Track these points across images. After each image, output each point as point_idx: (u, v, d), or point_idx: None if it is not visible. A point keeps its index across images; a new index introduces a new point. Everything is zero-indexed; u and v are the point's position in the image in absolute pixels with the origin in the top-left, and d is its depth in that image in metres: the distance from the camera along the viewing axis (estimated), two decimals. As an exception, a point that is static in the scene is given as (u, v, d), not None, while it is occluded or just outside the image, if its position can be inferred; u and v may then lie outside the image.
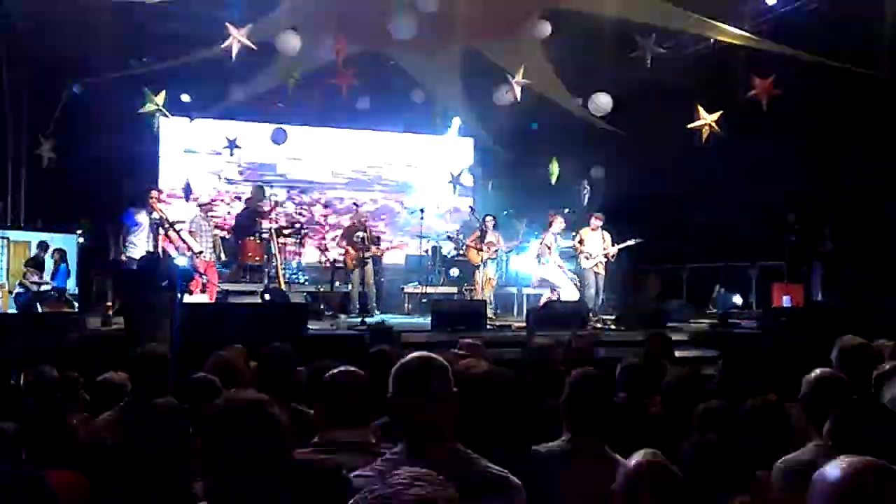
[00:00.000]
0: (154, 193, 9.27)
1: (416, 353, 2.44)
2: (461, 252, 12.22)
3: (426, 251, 13.41)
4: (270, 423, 2.19)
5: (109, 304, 8.58)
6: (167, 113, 10.43)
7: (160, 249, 9.05)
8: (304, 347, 4.49)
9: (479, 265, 11.50)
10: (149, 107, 10.20)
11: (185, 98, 12.44)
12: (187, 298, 8.85)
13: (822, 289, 10.77)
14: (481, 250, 11.46)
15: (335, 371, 2.95)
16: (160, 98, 10.26)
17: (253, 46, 9.39)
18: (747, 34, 10.64)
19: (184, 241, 9.32)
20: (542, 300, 11.10)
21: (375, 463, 2.35)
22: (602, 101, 11.42)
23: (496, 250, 11.46)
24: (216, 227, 11.40)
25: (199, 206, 11.20)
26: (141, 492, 2.45)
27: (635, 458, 2.38)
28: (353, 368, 2.97)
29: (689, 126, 10.54)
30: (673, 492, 2.35)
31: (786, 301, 10.68)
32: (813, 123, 11.05)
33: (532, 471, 2.74)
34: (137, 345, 4.65)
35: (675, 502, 2.34)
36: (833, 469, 1.68)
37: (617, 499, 2.39)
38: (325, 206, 13.82)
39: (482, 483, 2.22)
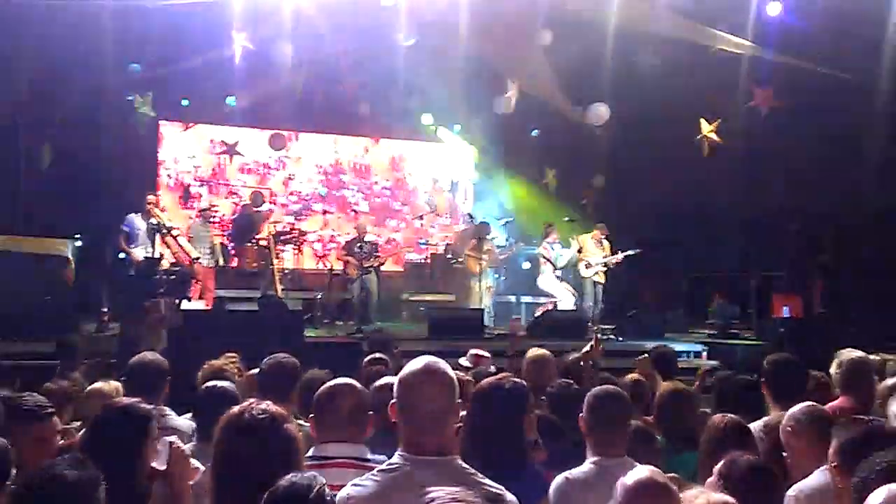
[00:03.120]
0: (152, 199, 9.23)
1: (422, 359, 2.40)
2: (458, 260, 12.18)
3: (425, 258, 13.37)
4: (285, 438, 2.19)
5: (105, 309, 8.53)
6: (151, 114, 10.38)
7: (158, 255, 8.99)
8: (300, 355, 4.44)
9: (477, 274, 11.47)
10: (142, 110, 10.18)
11: (185, 102, 12.42)
12: (184, 305, 8.82)
13: (822, 300, 10.73)
14: (480, 259, 11.43)
15: (330, 384, 2.90)
16: (147, 102, 10.24)
17: (254, 48, 9.38)
18: (748, 43, 10.64)
19: (181, 247, 9.27)
20: (540, 309, 11.07)
21: (371, 473, 2.30)
22: (599, 111, 11.41)
23: (493, 259, 11.42)
24: (220, 231, 11.34)
25: (199, 211, 11.16)
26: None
27: (635, 475, 2.33)
28: (348, 381, 2.92)
29: (694, 139, 10.52)
30: None
31: (785, 312, 10.64)
32: (814, 134, 11.05)
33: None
34: (132, 352, 4.62)
35: None
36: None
37: None
38: (324, 213, 13.75)
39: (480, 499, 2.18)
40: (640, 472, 2.30)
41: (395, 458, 2.29)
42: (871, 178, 10.62)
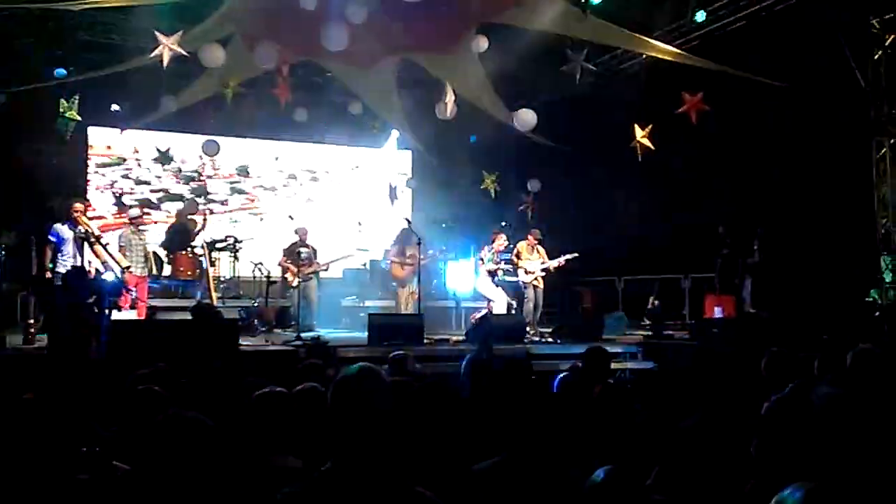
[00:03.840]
0: (78, 206, 8.92)
1: (357, 365, 2.37)
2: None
3: (364, 264, 13.30)
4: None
5: (32, 321, 8.24)
6: (77, 119, 10.08)
7: (86, 264, 8.72)
8: (236, 364, 4.37)
9: (403, 279, 11.46)
10: (68, 114, 9.89)
11: (115, 108, 12.12)
12: (116, 315, 8.57)
13: (752, 300, 11.01)
14: (403, 265, 11.42)
15: (259, 392, 2.85)
16: (74, 107, 9.95)
17: (184, 53, 9.19)
18: (676, 50, 10.87)
19: (111, 256, 9.01)
20: (478, 314, 11.11)
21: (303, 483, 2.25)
22: (526, 118, 11.50)
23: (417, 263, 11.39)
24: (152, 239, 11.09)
25: (130, 219, 10.89)
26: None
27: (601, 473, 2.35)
28: (279, 389, 2.87)
29: (630, 145, 10.67)
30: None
31: (717, 312, 10.89)
32: (741, 138, 11.37)
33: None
34: (61, 363, 4.47)
35: None
36: None
37: None
38: (261, 220, 13.60)
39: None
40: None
41: (326, 467, 2.25)
42: (798, 180, 10.94)
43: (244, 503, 2.12)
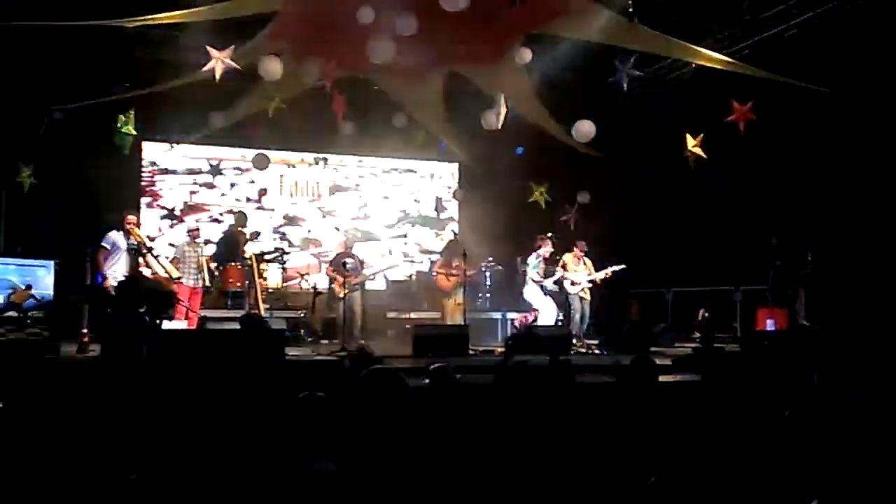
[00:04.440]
0: (131, 218, 9.15)
1: (373, 367, 2.40)
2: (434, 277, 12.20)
3: (410, 276, 13.34)
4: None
5: (85, 330, 8.44)
6: (133, 133, 10.35)
7: (139, 274, 8.93)
8: (281, 374, 4.43)
9: (449, 291, 11.47)
10: (125, 129, 10.14)
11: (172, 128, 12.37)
12: (168, 325, 8.75)
13: (806, 312, 10.76)
14: (449, 276, 11.43)
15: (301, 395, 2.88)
16: (130, 121, 10.21)
17: (237, 66, 9.36)
18: (726, 58, 10.71)
19: (162, 266, 9.21)
20: (517, 320, 11.08)
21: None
22: (585, 129, 11.44)
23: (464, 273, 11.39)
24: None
25: (188, 231, 11.12)
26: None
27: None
28: (318, 394, 2.90)
29: (683, 154, 10.54)
30: None
31: (770, 325, 10.66)
32: (793, 147, 11.15)
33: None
34: (112, 372, 4.57)
35: None
36: None
37: None
38: (309, 232, 13.74)
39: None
40: None
41: None
42: (851, 191, 10.69)
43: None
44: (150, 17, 9.23)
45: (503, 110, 11.11)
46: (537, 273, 10.94)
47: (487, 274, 12.97)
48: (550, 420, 3.69)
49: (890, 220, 10.32)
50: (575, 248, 11.14)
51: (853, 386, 4.55)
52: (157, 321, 7.36)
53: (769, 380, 6.61)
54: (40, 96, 10.93)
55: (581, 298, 10.95)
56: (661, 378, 7.01)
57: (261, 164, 13.08)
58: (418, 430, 2.55)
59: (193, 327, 9.53)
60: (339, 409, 2.83)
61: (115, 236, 9.07)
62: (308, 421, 2.74)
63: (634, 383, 5.18)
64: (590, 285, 11.01)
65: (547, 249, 11.05)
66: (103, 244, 9.05)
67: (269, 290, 11.96)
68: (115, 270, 8.89)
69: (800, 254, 10.92)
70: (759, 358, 8.50)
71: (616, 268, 11.00)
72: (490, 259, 12.45)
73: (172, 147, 13.00)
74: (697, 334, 11.34)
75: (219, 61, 9.53)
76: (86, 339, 8.43)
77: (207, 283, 10.72)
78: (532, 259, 11.02)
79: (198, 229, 11.24)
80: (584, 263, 11.07)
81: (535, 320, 10.89)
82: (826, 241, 10.77)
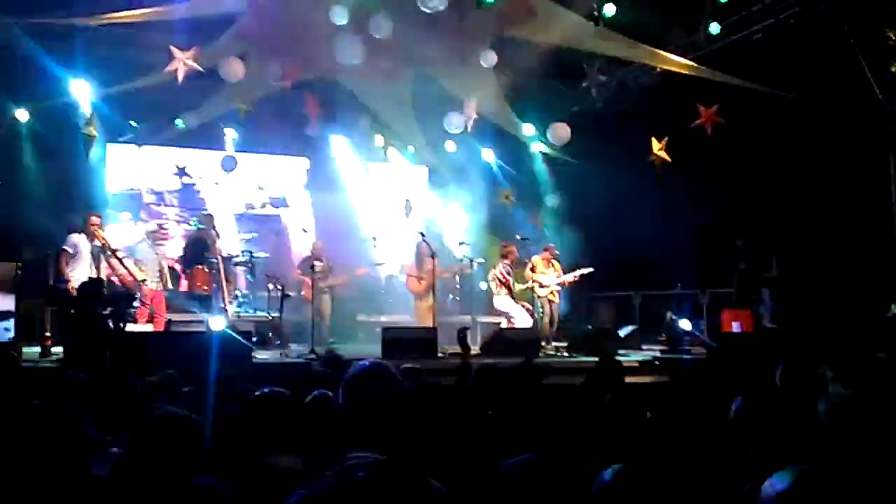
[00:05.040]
0: (94, 220, 9.00)
1: (366, 360, 2.39)
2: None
3: (382, 279, 13.30)
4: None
5: (48, 333, 8.30)
6: (94, 135, 10.21)
7: (102, 277, 8.79)
8: (250, 376, 4.39)
9: (420, 294, 11.43)
10: (85, 131, 10.01)
11: (133, 124, 12.23)
12: (132, 328, 8.63)
13: (772, 314, 10.88)
14: (421, 278, 11.41)
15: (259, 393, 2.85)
16: (92, 123, 10.09)
17: (199, 69, 9.28)
18: (690, 63, 10.84)
19: (126, 269, 9.08)
20: (494, 328, 11.07)
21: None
22: (560, 133, 11.51)
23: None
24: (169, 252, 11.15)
25: (147, 233, 10.94)
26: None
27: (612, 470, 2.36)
28: (278, 390, 2.87)
29: (647, 158, 10.64)
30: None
31: (735, 327, 10.76)
32: (758, 151, 11.28)
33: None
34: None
35: None
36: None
37: None
38: (277, 235, 13.61)
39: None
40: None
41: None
42: (814, 194, 10.85)
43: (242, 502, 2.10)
44: (114, 14, 9.12)
45: (472, 111, 11.15)
46: (502, 280, 10.95)
47: (458, 277, 12.96)
48: (520, 421, 3.70)
49: (855, 222, 10.48)
50: (545, 251, 11.18)
51: (813, 383, 4.61)
52: (120, 323, 7.24)
53: (734, 380, 6.68)
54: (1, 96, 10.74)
55: (550, 301, 10.99)
56: (629, 379, 7.07)
57: (229, 166, 12.97)
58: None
59: (160, 330, 9.41)
60: (306, 408, 2.81)
61: (77, 238, 8.91)
62: (266, 417, 2.71)
63: (601, 383, 5.23)
64: (558, 288, 11.05)
65: (513, 257, 11.11)
66: (65, 247, 8.89)
67: (239, 293, 11.85)
68: (78, 273, 8.73)
69: (765, 257, 11.05)
70: (727, 358, 8.58)
71: (584, 271, 11.08)
72: (461, 259, 12.41)
73: (139, 149, 12.83)
74: (664, 336, 11.40)
75: (181, 62, 9.45)
76: (48, 343, 8.30)
77: (170, 286, 10.57)
78: (500, 268, 11.03)
79: (157, 231, 11.06)
80: (553, 266, 11.12)
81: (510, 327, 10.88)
82: (791, 244, 10.91)
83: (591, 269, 11.09)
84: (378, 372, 2.31)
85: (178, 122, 12.06)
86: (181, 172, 13.43)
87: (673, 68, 10.93)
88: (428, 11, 9.30)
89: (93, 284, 7.74)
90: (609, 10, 10.13)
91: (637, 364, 9.15)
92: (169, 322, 9.37)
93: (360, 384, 2.28)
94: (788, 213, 11.23)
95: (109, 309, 7.09)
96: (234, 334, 7.77)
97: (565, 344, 10.61)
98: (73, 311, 7.39)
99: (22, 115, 11.02)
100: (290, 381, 5.97)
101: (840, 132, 10.45)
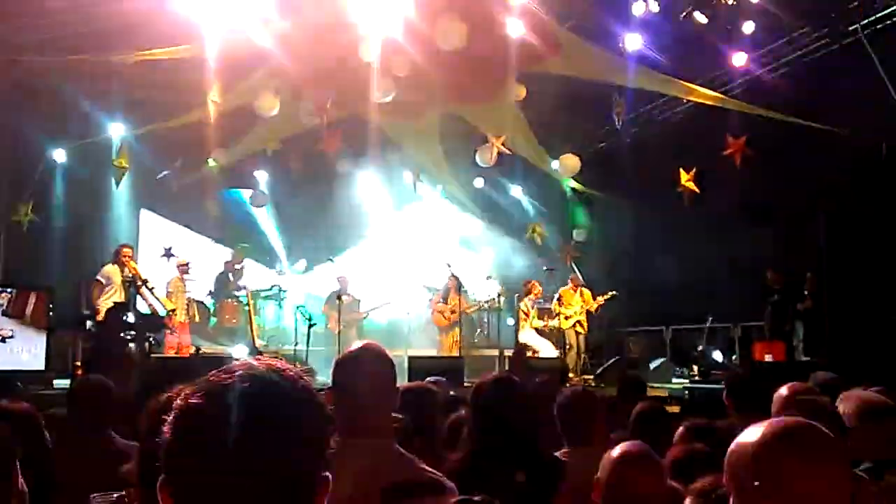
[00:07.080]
0: (126, 251, 9.15)
1: (359, 342, 2.40)
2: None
3: (407, 313, 13.28)
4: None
5: (78, 363, 8.39)
6: (125, 167, 10.44)
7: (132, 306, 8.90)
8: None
9: (445, 327, 11.42)
10: (116, 162, 10.25)
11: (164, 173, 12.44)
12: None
13: (804, 346, 10.66)
14: (447, 312, 11.41)
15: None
16: (124, 156, 10.33)
17: (231, 107, 9.47)
18: (720, 95, 10.81)
19: (157, 299, 9.19)
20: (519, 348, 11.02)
21: None
22: (568, 163, 11.53)
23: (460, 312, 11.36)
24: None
25: (178, 266, 11.10)
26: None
27: (620, 448, 2.45)
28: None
29: (676, 190, 10.59)
30: (658, 475, 2.41)
31: (767, 359, 10.56)
32: (788, 182, 11.16)
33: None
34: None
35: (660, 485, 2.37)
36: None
37: (602, 487, 2.40)
38: (306, 271, 13.72)
39: (417, 483, 2.13)
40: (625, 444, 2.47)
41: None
42: (846, 226, 10.67)
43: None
44: (150, 51, 9.35)
45: (496, 146, 11.22)
46: (527, 315, 10.97)
47: (486, 311, 12.92)
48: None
49: (889, 252, 10.27)
50: (570, 282, 11.15)
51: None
52: (147, 347, 7.31)
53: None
54: (37, 136, 11.02)
55: (577, 333, 10.93)
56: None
57: (259, 202, 13.14)
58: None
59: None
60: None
61: (110, 270, 9.05)
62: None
63: (625, 403, 5.15)
64: (584, 316, 11.01)
65: (537, 292, 11.15)
66: (98, 278, 9.03)
67: (266, 328, 11.92)
68: (109, 303, 8.84)
69: (797, 287, 10.87)
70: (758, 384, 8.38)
71: (608, 296, 11.07)
72: (489, 296, 12.39)
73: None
74: (694, 369, 11.22)
75: (214, 103, 9.65)
76: (78, 374, 8.37)
77: (197, 319, 10.67)
78: (524, 304, 11.06)
79: (187, 264, 11.15)
80: (582, 293, 11.08)
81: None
82: (824, 274, 10.71)
83: (614, 293, 11.10)
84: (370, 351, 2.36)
85: (211, 161, 12.24)
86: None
87: (700, 100, 10.90)
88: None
89: (117, 310, 7.83)
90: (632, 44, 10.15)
91: (666, 395, 9.01)
92: (197, 350, 9.44)
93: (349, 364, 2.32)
94: (821, 244, 11.04)
95: (133, 333, 7.15)
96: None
97: (593, 377, 10.50)
98: (97, 338, 7.47)
99: (59, 155, 11.33)
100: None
101: (870, 162, 10.31)
